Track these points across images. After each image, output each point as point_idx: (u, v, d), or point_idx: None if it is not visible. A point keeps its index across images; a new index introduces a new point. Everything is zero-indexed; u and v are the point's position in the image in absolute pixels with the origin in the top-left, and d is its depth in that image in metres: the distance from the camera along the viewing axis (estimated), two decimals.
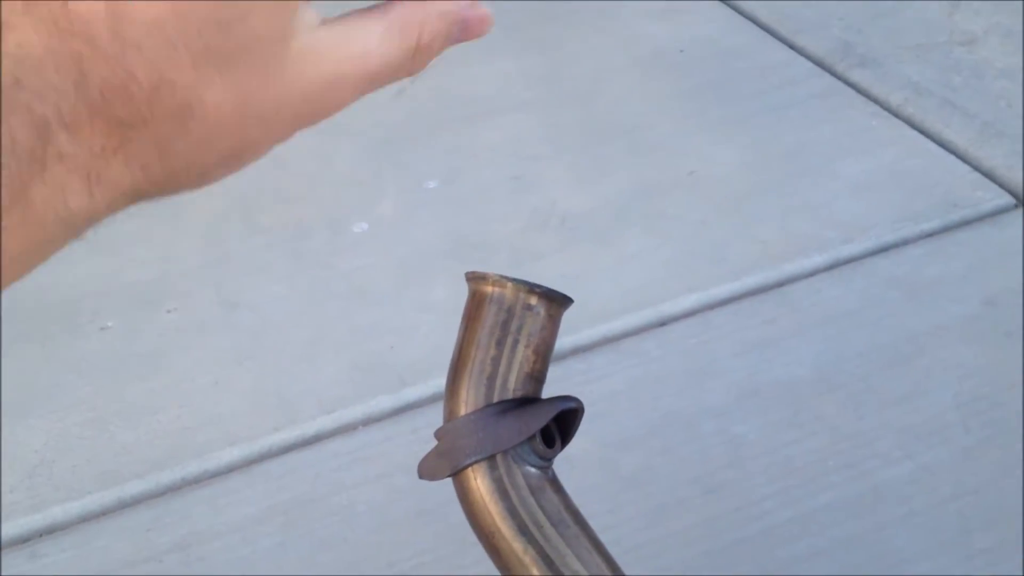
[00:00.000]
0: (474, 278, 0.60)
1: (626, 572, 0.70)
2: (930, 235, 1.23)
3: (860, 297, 1.15)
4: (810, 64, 1.59)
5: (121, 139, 0.27)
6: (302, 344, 1.14)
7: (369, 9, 0.31)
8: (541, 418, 0.75)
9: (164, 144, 0.27)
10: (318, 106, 0.30)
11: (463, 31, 0.33)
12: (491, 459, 0.74)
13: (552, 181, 1.39)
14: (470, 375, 0.78)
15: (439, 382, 0.76)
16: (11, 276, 0.27)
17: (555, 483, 0.76)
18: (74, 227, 0.27)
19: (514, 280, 0.63)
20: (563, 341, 1.13)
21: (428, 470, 0.79)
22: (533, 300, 0.68)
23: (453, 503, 0.73)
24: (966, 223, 1.25)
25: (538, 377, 0.79)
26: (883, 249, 1.22)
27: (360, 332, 1.15)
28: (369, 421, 1.06)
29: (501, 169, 1.42)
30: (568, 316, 0.65)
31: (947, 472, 0.94)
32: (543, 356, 0.74)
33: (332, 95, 0.30)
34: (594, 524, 0.71)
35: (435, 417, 0.73)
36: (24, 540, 0.94)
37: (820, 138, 1.43)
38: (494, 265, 0.56)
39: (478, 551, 0.72)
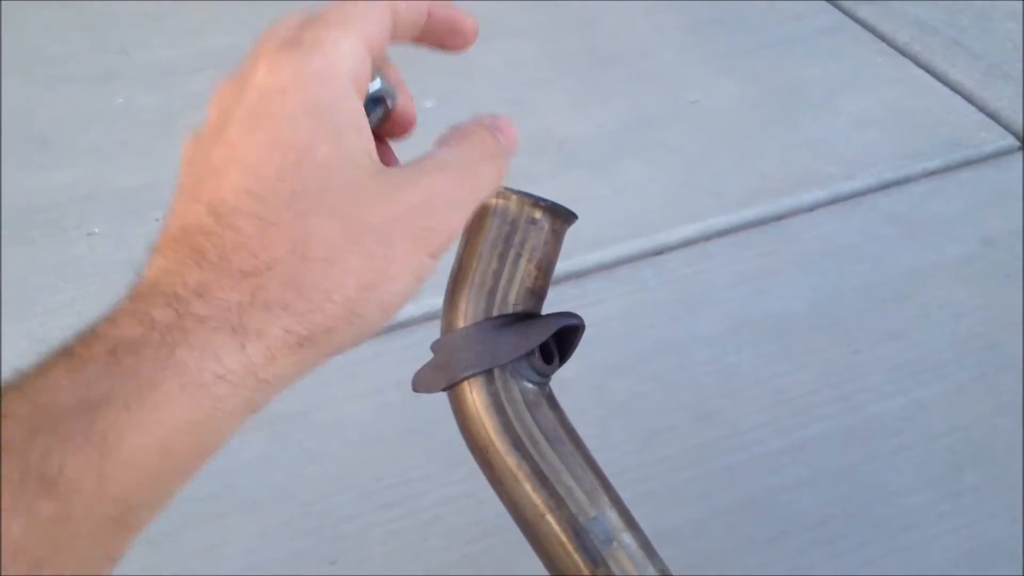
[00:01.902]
0: None
1: (626, 508, 0.70)
2: (931, 174, 1.22)
3: (859, 233, 1.14)
4: None
5: (252, 288, 0.30)
6: None
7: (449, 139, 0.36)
8: (541, 334, 0.73)
9: (294, 280, 0.30)
10: (432, 222, 0.33)
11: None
12: (488, 373, 0.73)
13: (550, 106, 1.37)
14: (470, 288, 0.76)
15: (432, 301, 0.74)
16: (185, 445, 0.29)
17: (552, 400, 0.75)
18: (241, 386, 0.30)
19: (519, 192, 0.61)
20: (558, 266, 1.11)
21: (423, 382, 0.77)
22: (537, 214, 0.66)
23: (443, 421, 0.72)
24: (968, 163, 1.23)
25: (539, 293, 0.78)
26: (884, 186, 1.21)
27: None
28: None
29: (499, 92, 1.39)
30: (564, 241, 0.63)
31: (939, 408, 0.94)
32: (545, 272, 0.73)
33: (438, 212, 0.33)
34: None
35: (426, 336, 0.72)
36: None
37: (824, 73, 1.41)
38: None
39: (467, 468, 0.71)
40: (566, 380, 0.97)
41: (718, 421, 0.95)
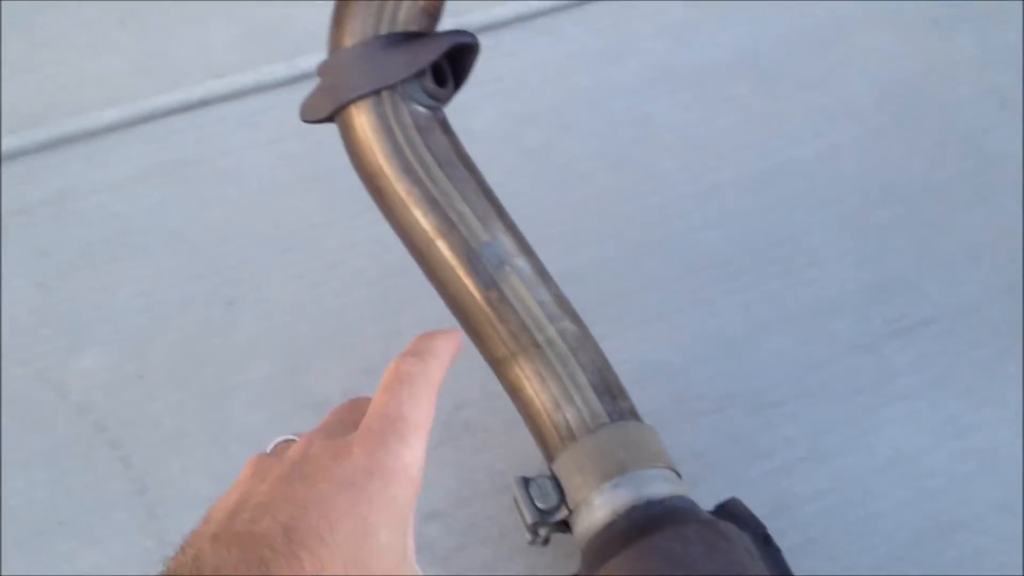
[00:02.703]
0: None
1: (521, 236, 0.68)
2: None
3: None
4: None
5: None
6: (191, 6, 1.06)
7: None
8: (431, 52, 0.70)
9: None
10: None
11: None
12: (376, 94, 0.70)
13: None
14: (358, 4, 0.71)
15: None
16: None
17: (445, 124, 0.72)
18: None
19: None
20: (473, 17, 1.07)
21: (310, 108, 0.74)
22: None
23: (346, 170, 0.69)
24: None
25: (432, 13, 0.73)
26: None
27: None
28: (261, 88, 1.00)
29: None
30: None
31: (854, 152, 0.93)
32: None
33: None
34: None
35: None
36: None
37: None
38: None
39: (372, 215, 0.69)
40: (476, 130, 0.95)
41: (631, 168, 0.93)
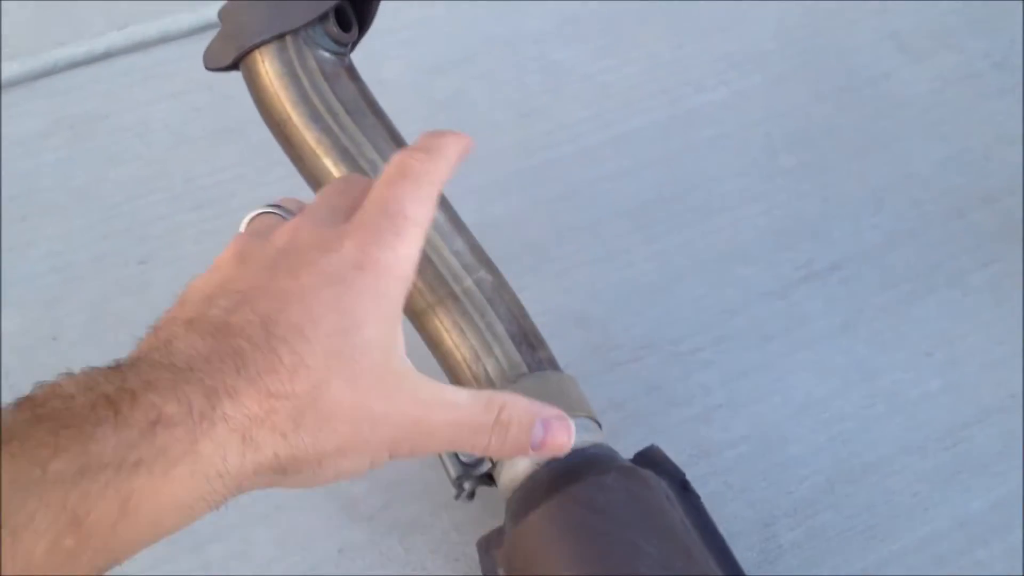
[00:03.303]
0: None
1: None
2: None
3: None
4: None
5: (269, 409, 0.33)
6: None
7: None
8: None
9: (300, 417, 0.34)
10: (411, 435, 0.38)
11: (545, 434, 0.40)
12: (280, 40, 0.67)
13: None
14: None
15: None
16: (168, 522, 0.32)
17: (352, 71, 0.69)
18: (228, 488, 0.33)
19: None
20: None
21: (213, 56, 0.71)
22: None
23: (258, 122, 0.66)
24: None
25: None
26: None
27: None
28: (165, 39, 0.96)
29: None
30: None
31: (759, 97, 0.94)
32: None
33: (422, 430, 0.38)
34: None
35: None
36: None
37: None
38: None
39: (284, 169, 0.67)
40: (386, 80, 0.92)
41: (542, 117, 0.92)
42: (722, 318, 0.78)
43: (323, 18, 0.65)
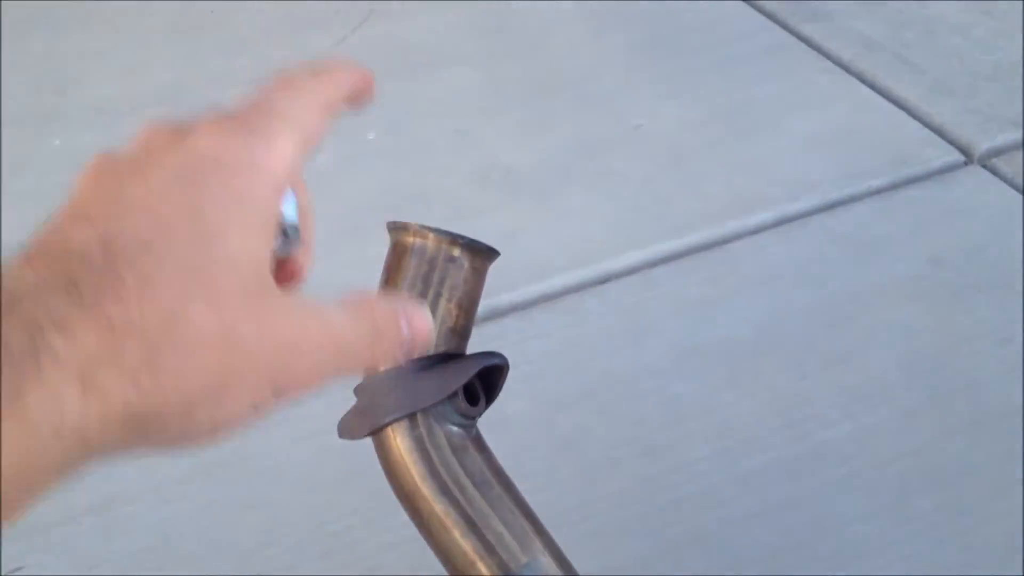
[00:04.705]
0: (395, 228, 0.56)
1: (558, 533, 0.67)
2: (877, 192, 1.21)
3: (805, 255, 1.13)
4: (761, 17, 1.55)
5: (114, 345, 0.28)
6: None
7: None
8: (462, 375, 0.71)
9: (154, 355, 0.28)
10: (291, 361, 0.32)
11: (410, 329, 0.36)
12: (411, 417, 0.70)
13: (495, 135, 1.35)
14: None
15: None
16: (10, 494, 0.27)
17: (479, 442, 0.72)
18: (71, 448, 0.27)
19: (436, 230, 0.58)
20: (500, 298, 1.09)
21: (347, 429, 0.75)
22: (456, 251, 0.63)
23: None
24: (914, 180, 1.22)
25: (461, 332, 0.75)
26: (830, 206, 1.19)
27: None
28: None
29: (443, 121, 1.37)
30: (506, 273, 0.60)
31: (888, 433, 0.92)
32: (467, 311, 0.70)
33: (301, 356, 0.32)
34: (529, 484, 0.68)
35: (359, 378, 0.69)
36: None
37: (769, 93, 1.40)
38: (434, 220, 0.52)
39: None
40: (512, 416, 0.95)
41: (664, 454, 0.92)
42: None
43: (452, 396, 0.68)
